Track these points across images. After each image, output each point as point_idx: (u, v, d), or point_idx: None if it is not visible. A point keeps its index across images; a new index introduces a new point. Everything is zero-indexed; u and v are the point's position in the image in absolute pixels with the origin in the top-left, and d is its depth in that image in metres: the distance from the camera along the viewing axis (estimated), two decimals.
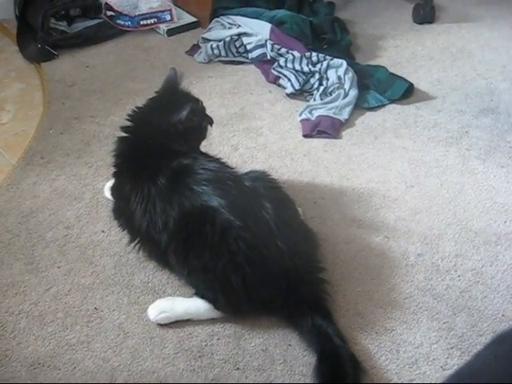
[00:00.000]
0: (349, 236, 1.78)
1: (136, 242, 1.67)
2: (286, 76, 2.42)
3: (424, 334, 1.51)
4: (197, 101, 1.77)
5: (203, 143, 1.80)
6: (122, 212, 1.70)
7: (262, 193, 1.57)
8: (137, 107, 1.75)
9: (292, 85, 2.39)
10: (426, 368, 1.44)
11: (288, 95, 2.40)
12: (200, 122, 1.74)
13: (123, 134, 1.72)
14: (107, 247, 1.76)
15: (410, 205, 1.90)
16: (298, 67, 2.42)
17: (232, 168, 1.68)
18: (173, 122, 1.66)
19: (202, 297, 1.54)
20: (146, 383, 1.42)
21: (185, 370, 1.44)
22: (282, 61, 2.46)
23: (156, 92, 1.78)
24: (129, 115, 1.74)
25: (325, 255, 1.67)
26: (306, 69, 2.42)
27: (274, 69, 2.46)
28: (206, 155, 1.72)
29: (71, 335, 1.53)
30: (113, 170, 1.74)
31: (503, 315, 1.56)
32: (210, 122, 1.79)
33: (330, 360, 1.41)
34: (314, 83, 2.41)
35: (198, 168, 1.58)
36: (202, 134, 1.78)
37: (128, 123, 1.73)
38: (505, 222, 1.84)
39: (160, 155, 1.63)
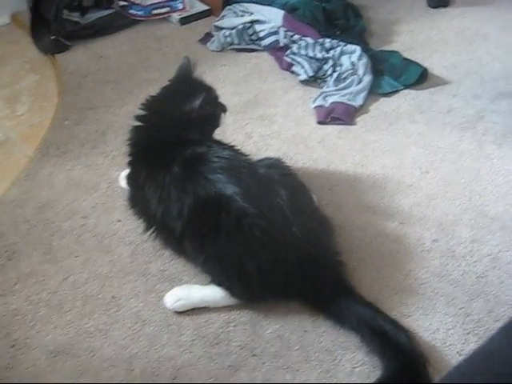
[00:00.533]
0: (364, 222, 1.78)
1: (152, 230, 1.68)
2: (299, 63, 2.41)
3: (440, 319, 1.51)
4: (210, 89, 1.77)
5: (217, 131, 1.80)
6: (138, 201, 1.71)
7: (277, 180, 1.57)
8: (150, 96, 1.76)
9: (305, 71, 2.38)
10: (443, 354, 1.43)
11: (301, 82, 2.39)
12: (213, 110, 1.74)
13: (137, 123, 1.73)
14: (123, 236, 1.77)
15: (425, 190, 1.89)
16: (311, 54, 2.41)
17: (246, 155, 1.68)
18: (186, 111, 1.66)
19: (218, 284, 1.55)
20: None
21: (202, 357, 1.45)
22: (295, 47, 2.45)
23: (169, 80, 1.79)
24: (142, 104, 1.75)
25: (340, 242, 1.67)
26: (319, 55, 2.41)
27: (287, 56, 2.45)
28: (219, 143, 1.72)
29: (89, 323, 1.54)
30: (128, 159, 1.75)
31: None
32: (224, 109, 1.79)
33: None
34: (327, 70, 2.40)
35: (212, 156, 1.58)
36: (215, 122, 1.78)
37: (142, 112, 1.73)
38: None
39: (174, 144, 1.63)
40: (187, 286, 1.60)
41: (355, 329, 1.47)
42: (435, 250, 1.69)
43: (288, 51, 2.46)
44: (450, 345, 1.45)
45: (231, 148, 1.69)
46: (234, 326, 1.52)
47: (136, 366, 1.45)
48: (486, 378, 0.82)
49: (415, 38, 2.72)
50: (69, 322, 1.55)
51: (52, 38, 2.65)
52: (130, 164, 1.75)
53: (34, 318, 1.56)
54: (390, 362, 1.38)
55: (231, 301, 1.55)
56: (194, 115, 1.66)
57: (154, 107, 1.73)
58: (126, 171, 1.84)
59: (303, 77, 2.38)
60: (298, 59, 2.42)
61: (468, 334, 1.48)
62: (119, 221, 1.82)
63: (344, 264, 1.58)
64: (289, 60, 2.44)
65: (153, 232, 1.68)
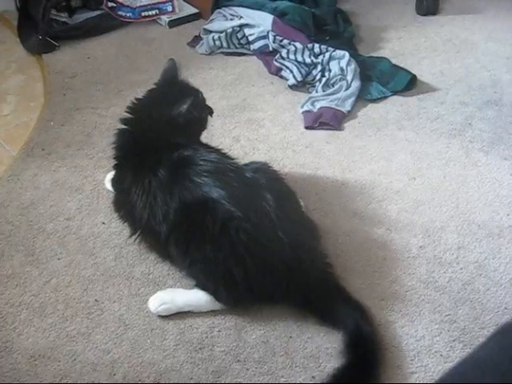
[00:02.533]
0: (351, 228, 1.77)
1: (137, 234, 1.66)
2: (288, 67, 2.41)
3: (426, 326, 1.50)
4: (197, 92, 1.76)
5: (204, 134, 1.79)
6: (123, 204, 1.70)
7: (263, 184, 1.56)
8: (136, 99, 1.74)
9: (294, 76, 2.37)
10: (428, 361, 1.43)
11: (290, 87, 2.39)
12: (200, 114, 1.73)
13: (123, 127, 1.71)
14: (108, 239, 1.75)
15: (413, 197, 1.89)
16: (300, 58, 2.41)
17: (233, 159, 1.67)
18: (173, 115, 1.65)
19: (203, 288, 1.54)
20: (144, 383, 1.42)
21: (185, 362, 1.44)
22: (284, 52, 2.45)
23: (155, 84, 1.77)
24: (128, 107, 1.73)
25: (326, 247, 1.66)
26: (308, 60, 2.41)
27: (276, 60, 2.44)
28: (206, 146, 1.71)
29: (71, 327, 1.52)
30: (113, 162, 1.73)
31: (506, 308, 1.55)
32: (211, 112, 1.78)
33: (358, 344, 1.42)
34: (316, 75, 2.40)
35: (198, 159, 1.57)
36: (202, 125, 1.77)
37: (128, 115, 1.72)
38: (508, 214, 1.83)
39: (160, 147, 1.62)
40: (171, 290, 1.58)
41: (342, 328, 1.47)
42: (422, 256, 1.69)
43: (277, 56, 2.46)
44: (436, 352, 1.45)
45: (218, 151, 1.68)
46: (219, 331, 1.50)
47: (118, 371, 1.43)
48: None
49: (404, 44, 2.72)
50: (50, 325, 1.52)
51: (39, 37, 2.62)
52: (116, 167, 1.74)
53: (15, 321, 1.53)
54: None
55: (216, 305, 1.54)
56: (180, 119, 1.65)
57: (140, 110, 1.72)
58: (112, 173, 1.82)
59: (292, 81, 2.37)
60: (287, 64, 2.41)
61: (454, 341, 1.47)
62: (104, 223, 1.80)
63: (332, 265, 1.57)
64: (278, 64, 2.44)
65: (138, 236, 1.66)
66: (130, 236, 1.67)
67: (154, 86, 1.77)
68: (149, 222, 1.58)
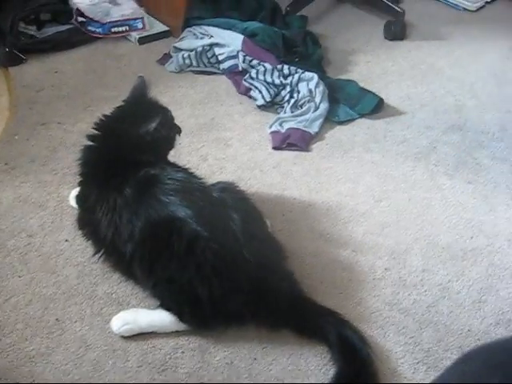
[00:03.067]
0: (316, 249, 1.78)
1: (101, 253, 1.64)
2: (257, 88, 2.41)
3: (390, 348, 1.51)
4: (165, 110, 1.75)
5: (172, 153, 1.78)
6: (87, 222, 1.67)
7: (230, 204, 1.56)
8: (104, 116, 1.72)
9: (263, 96, 2.38)
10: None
11: (259, 107, 2.39)
12: (168, 133, 1.72)
13: (89, 143, 1.69)
14: (70, 256, 1.72)
15: (378, 219, 1.90)
16: (269, 79, 2.42)
17: (200, 178, 1.67)
18: (140, 133, 1.63)
19: (167, 309, 1.51)
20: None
21: None
22: (253, 72, 2.45)
23: (124, 101, 1.76)
24: (96, 124, 1.71)
25: (292, 268, 1.65)
26: (277, 81, 2.42)
27: (245, 80, 2.45)
28: (173, 165, 1.70)
29: (31, 347, 1.48)
30: (78, 178, 1.71)
31: (469, 330, 1.57)
32: (179, 131, 1.78)
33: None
34: (284, 96, 2.41)
35: (165, 178, 1.56)
36: (170, 144, 1.76)
37: (94, 132, 1.70)
38: (471, 237, 1.85)
39: (127, 165, 1.60)
40: (135, 310, 1.56)
41: (320, 337, 1.48)
42: (387, 278, 1.70)
43: (246, 75, 2.46)
44: (400, 374, 1.45)
45: (185, 170, 1.67)
46: (182, 352, 1.48)
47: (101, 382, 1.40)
48: None
49: (372, 68, 2.76)
50: (9, 345, 1.48)
51: (6, 50, 2.58)
52: (81, 184, 1.71)
53: None
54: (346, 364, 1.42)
55: (180, 326, 1.52)
56: (147, 138, 1.63)
57: (107, 128, 1.70)
58: (76, 190, 1.79)
59: (260, 102, 2.38)
60: (256, 84, 2.42)
61: (418, 363, 1.48)
62: (67, 240, 1.77)
63: (299, 282, 1.57)
64: (247, 84, 2.44)
65: (102, 255, 1.64)
66: (94, 254, 1.65)
67: (122, 103, 1.75)
68: (113, 241, 1.56)
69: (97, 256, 1.64)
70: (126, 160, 1.61)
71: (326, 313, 1.52)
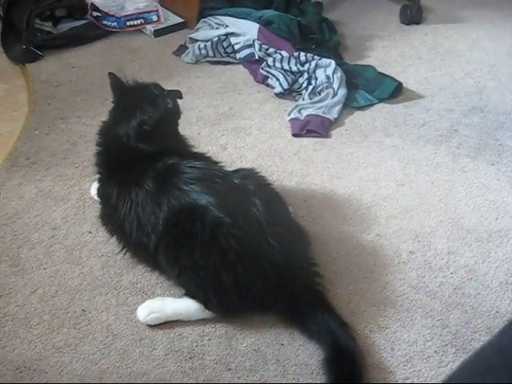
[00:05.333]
0: (340, 234, 1.76)
1: (125, 248, 1.64)
2: (274, 76, 2.40)
3: (418, 331, 1.49)
4: (150, 89, 1.71)
5: (192, 143, 1.77)
6: (110, 219, 1.67)
7: (252, 190, 1.55)
8: (103, 121, 1.74)
9: (280, 84, 2.37)
10: (421, 366, 1.41)
11: (276, 95, 2.38)
12: (164, 106, 1.67)
13: (99, 149, 1.71)
14: (94, 248, 1.72)
15: (401, 203, 1.89)
16: (286, 67, 2.41)
17: (218, 163, 1.67)
18: (137, 126, 1.62)
19: (193, 297, 1.51)
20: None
21: (175, 372, 1.41)
22: (270, 60, 2.44)
23: (112, 102, 1.75)
24: (98, 130, 1.73)
25: (316, 253, 1.65)
26: (294, 68, 2.41)
27: (262, 68, 2.44)
28: (190, 151, 1.68)
29: (58, 338, 1.49)
30: (98, 177, 1.72)
31: (497, 312, 1.55)
32: (179, 96, 1.74)
33: (339, 359, 1.39)
34: (302, 83, 2.40)
35: (184, 167, 1.56)
36: (174, 115, 1.73)
37: (99, 139, 1.72)
38: (496, 218, 1.83)
39: (141, 160, 1.60)
40: (160, 299, 1.56)
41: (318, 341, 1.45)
42: (412, 261, 1.68)
43: (263, 64, 2.45)
44: (429, 357, 1.43)
45: (203, 156, 1.67)
46: (209, 339, 1.48)
47: (107, 382, 1.39)
48: (500, 372, 0.80)
49: (389, 53, 2.74)
50: (36, 336, 1.49)
51: (23, 47, 2.60)
52: (101, 183, 1.72)
53: (0, 333, 1.49)
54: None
55: (206, 314, 1.51)
56: (146, 127, 1.62)
57: (108, 131, 1.71)
58: (97, 182, 1.80)
59: (278, 89, 2.37)
60: (273, 72, 2.41)
61: (446, 345, 1.46)
62: (90, 232, 1.77)
63: (320, 275, 1.55)
64: (264, 73, 2.43)
65: (126, 250, 1.64)
66: (121, 251, 1.65)
67: (112, 105, 1.75)
68: (138, 235, 1.56)
69: (121, 248, 1.65)
70: (138, 155, 1.61)
71: (328, 312, 1.47)
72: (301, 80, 2.40)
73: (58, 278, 1.64)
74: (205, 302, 1.50)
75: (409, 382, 1.38)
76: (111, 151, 1.69)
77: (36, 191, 1.92)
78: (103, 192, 1.71)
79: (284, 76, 2.38)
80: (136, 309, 1.53)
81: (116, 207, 1.59)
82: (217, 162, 1.67)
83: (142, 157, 1.61)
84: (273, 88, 2.40)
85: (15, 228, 1.79)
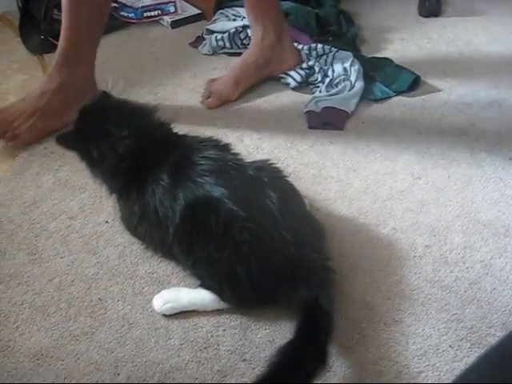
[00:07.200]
0: (356, 227, 1.76)
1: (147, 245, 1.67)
2: (286, 73, 2.39)
3: (433, 325, 1.49)
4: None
5: (208, 133, 1.77)
6: (132, 223, 1.67)
7: (267, 182, 1.54)
8: None
9: (294, 79, 2.36)
10: (436, 360, 1.41)
11: (293, 89, 2.38)
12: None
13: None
14: (111, 238, 1.74)
15: (418, 196, 1.88)
16: (302, 64, 2.39)
17: (233, 153, 1.64)
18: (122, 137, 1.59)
19: (208, 288, 1.52)
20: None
21: (190, 362, 1.42)
22: None
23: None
24: None
25: (331, 246, 1.65)
26: (310, 62, 2.40)
27: None
28: (200, 140, 1.67)
29: (75, 326, 1.50)
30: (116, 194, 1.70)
31: None
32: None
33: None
34: (319, 75, 2.39)
35: (197, 158, 1.56)
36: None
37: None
38: None
39: (149, 160, 1.59)
40: (176, 289, 1.57)
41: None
42: (428, 255, 1.68)
43: None
44: (443, 351, 1.43)
45: (215, 144, 1.65)
46: (224, 330, 1.49)
47: (122, 371, 1.41)
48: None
49: (406, 46, 2.72)
50: (53, 324, 1.51)
51: (41, 37, 2.62)
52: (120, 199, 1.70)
53: (18, 320, 1.52)
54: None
55: (221, 305, 1.52)
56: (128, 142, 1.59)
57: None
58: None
59: (293, 84, 2.36)
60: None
61: (461, 340, 1.45)
62: (107, 222, 1.79)
63: (333, 270, 1.54)
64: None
65: (148, 245, 1.67)
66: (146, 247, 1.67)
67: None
68: (158, 232, 1.57)
69: (137, 238, 1.67)
70: (146, 159, 1.60)
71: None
72: (317, 72, 2.39)
73: (75, 267, 1.65)
74: (219, 293, 1.50)
75: (423, 375, 1.38)
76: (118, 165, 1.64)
77: (54, 180, 1.94)
78: (124, 207, 1.69)
79: (296, 71, 2.37)
80: (152, 298, 1.54)
81: (136, 209, 1.60)
82: (232, 153, 1.65)
83: (148, 159, 1.60)
84: (287, 84, 2.39)
85: (33, 217, 1.81)
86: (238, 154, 1.65)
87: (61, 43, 2.08)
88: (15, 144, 2.05)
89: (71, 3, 2.04)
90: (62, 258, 1.68)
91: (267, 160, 1.69)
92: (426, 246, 1.71)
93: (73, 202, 1.86)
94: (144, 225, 1.61)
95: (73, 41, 2.07)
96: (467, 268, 1.64)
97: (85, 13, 2.06)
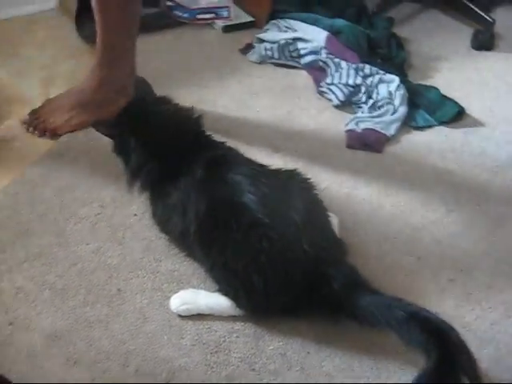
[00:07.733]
0: (381, 252, 1.75)
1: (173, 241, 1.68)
2: (331, 90, 2.39)
3: None
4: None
5: (243, 146, 1.78)
6: (161, 217, 1.69)
7: (295, 192, 1.54)
8: None
9: (337, 97, 2.35)
10: None
11: (335, 107, 2.37)
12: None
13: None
14: (138, 231, 1.75)
15: (448, 229, 1.85)
16: (346, 80, 2.39)
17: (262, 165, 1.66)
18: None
19: (224, 294, 1.52)
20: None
21: (199, 363, 1.42)
22: (329, 79, 2.42)
23: None
24: None
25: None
26: (357, 81, 2.39)
27: (321, 86, 2.42)
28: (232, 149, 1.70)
29: (91, 313, 1.52)
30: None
31: None
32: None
33: None
34: (363, 96, 2.38)
35: (233, 159, 1.59)
36: None
37: None
38: None
39: (185, 153, 1.63)
40: (194, 291, 1.57)
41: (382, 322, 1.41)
42: (450, 289, 1.65)
43: (325, 80, 2.43)
44: None
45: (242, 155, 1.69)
46: (237, 336, 1.49)
47: (131, 363, 1.42)
48: None
49: (454, 76, 2.69)
50: (70, 308, 1.53)
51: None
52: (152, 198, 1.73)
53: (36, 299, 1.54)
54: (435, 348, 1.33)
55: (237, 311, 1.52)
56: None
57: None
58: None
59: (336, 102, 2.36)
60: (332, 88, 2.39)
61: None
62: (135, 215, 1.81)
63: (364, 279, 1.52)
64: (323, 89, 2.41)
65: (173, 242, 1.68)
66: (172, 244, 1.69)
67: None
68: (182, 224, 1.57)
69: (164, 233, 1.68)
70: (181, 150, 1.64)
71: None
72: (361, 93, 2.38)
73: (99, 255, 1.67)
74: (235, 300, 1.50)
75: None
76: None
77: (90, 167, 1.97)
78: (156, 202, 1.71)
79: (340, 89, 2.36)
80: (170, 296, 1.55)
81: (168, 204, 1.62)
82: (260, 164, 1.66)
83: (184, 150, 1.63)
84: (330, 101, 2.39)
85: (65, 201, 1.84)
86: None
87: (98, 42, 2.10)
88: (50, 137, 2.08)
89: (100, 3, 2.05)
90: (87, 244, 1.70)
91: (297, 169, 1.67)
92: (450, 279, 1.68)
93: (105, 191, 1.88)
94: (173, 220, 1.62)
95: (108, 40, 2.09)
96: (489, 308, 1.61)
97: (115, 12, 2.07)
